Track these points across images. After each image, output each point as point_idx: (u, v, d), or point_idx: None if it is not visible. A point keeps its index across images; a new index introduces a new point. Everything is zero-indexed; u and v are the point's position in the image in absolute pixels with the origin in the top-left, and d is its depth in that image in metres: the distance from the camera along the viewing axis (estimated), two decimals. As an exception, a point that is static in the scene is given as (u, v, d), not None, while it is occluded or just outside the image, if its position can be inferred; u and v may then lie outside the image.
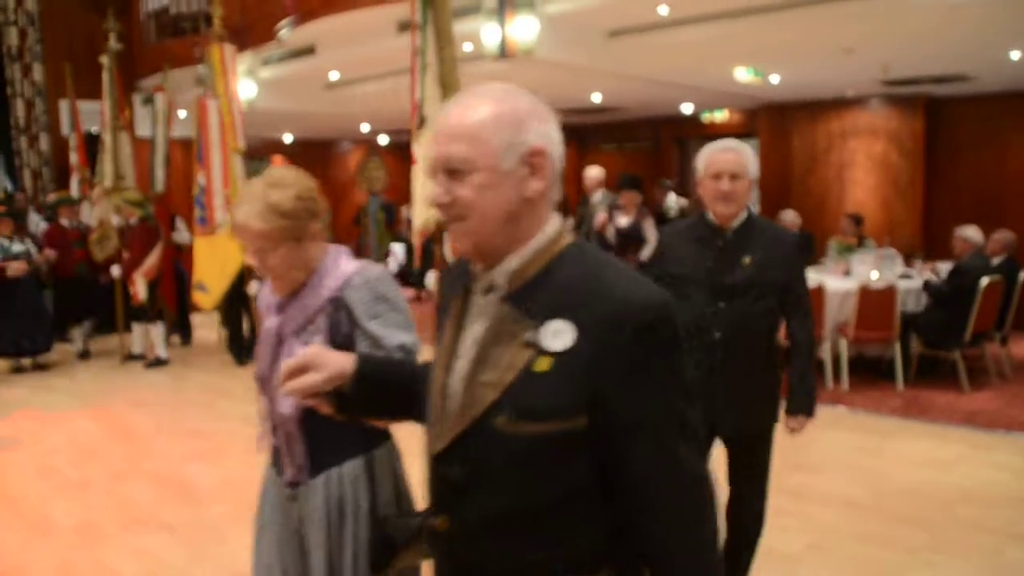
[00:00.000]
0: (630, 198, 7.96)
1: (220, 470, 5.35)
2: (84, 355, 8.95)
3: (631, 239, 7.86)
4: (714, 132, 12.05)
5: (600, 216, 7.92)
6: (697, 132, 12.18)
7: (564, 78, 8.21)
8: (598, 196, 8.24)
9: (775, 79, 8.57)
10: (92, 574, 3.98)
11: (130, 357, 8.76)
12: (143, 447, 5.94)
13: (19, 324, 8.07)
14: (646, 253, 7.79)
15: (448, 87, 6.03)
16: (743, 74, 8.17)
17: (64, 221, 8.95)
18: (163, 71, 9.43)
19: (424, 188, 5.95)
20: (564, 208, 8.45)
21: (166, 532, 4.40)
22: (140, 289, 8.07)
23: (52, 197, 9.76)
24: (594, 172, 8.36)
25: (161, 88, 9.24)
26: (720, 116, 11.67)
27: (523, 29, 6.47)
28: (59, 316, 8.87)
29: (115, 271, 8.42)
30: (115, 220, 8.62)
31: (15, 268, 7.95)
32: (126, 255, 8.37)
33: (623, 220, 8.01)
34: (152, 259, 8.28)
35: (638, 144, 12.95)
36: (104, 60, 8.98)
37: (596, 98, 10.00)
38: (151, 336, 8.70)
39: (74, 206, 9.15)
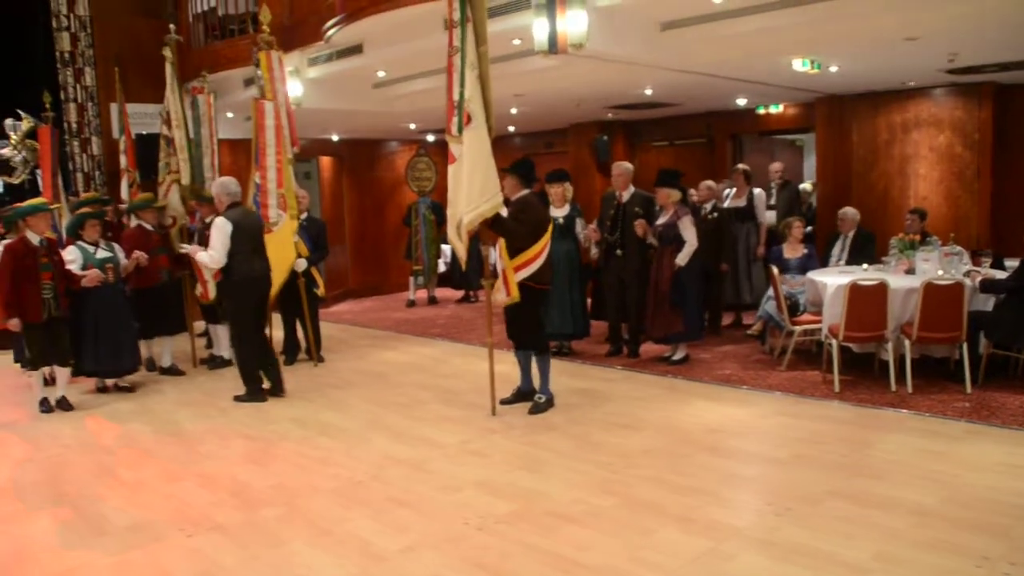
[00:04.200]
0: (664, 196, 7.77)
1: (270, 473, 5.32)
2: (171, 372, 8.33)
3: (667, 240, 7.68)
4: (770, 126, 11.81)
5: (639, 223, 7.75)
6: (752, 127, 11.91)
7: (615, 72, 8.05)
8: (628, 194, 8.08)
9: (833, 70, 8.31)
10: (146, 573, 3.95)
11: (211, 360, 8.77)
12: (195, 449, 5.94)
13: (103, 342, 7.26)
14: (683, 256, 7.59)
15: (486, 85, 6.01)
16: (800, 65, 7.94)
17: (146, 224, 8.33)
18: (202, 75, 9.48)
19: (472, 185, 5.93)
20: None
21: (219, 533, 4.37)
22: (210, 288, 8.08)
23: (135, 198, 9.24)
24: (623, 168, 8.20)
25: (201, 90, 9.30)
26: (776, 110, 11.40)
27: (573, 23, 6.36)
28: (142, 330, 8.07)
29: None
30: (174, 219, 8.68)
31: (91, 277, 7.12)
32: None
33: (660, 220, 7.84)
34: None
35: (690, 140, 12.72)
36: (166, 53, 9.05)
37: (647, 92, 9.82)
38: (218, 336, 8.73)
39: (157, 208, 8.60)
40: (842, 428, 5.77)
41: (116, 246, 7.61)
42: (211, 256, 6.91)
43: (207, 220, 8.38)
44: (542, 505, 4.56)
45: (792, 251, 8.30)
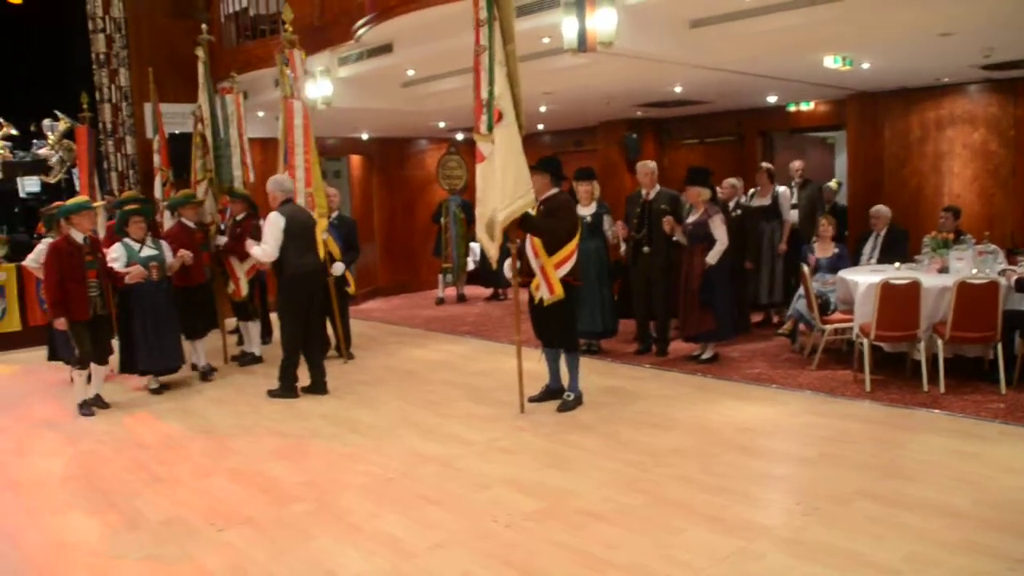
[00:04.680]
0: (694, 194, 7.74)
1: (301, 469, 5.38)
2: (208, 375, 8.11)
3: (697, 239, 7.65)
4: (800, 124, 11.72)
5: (667, 220, 7.72)
6: (783, 124, 11.82)
7: (644, 70, 8.04)
8: (654, 192, 8.06)
9: (866, 67, 8.23)
10: (179, 567, 4.02)
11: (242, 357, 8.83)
12: (226, 445, 6.01)
13: (152, 340, 7.25)
14: (714, 255, 7.56)
15: (515, 82, 6.02)
16: (832, 63, 7.87)
17: (187, 221, 8.19)
18: (231, 75, 9.58)
19: (506, 182, 5.94)
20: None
21: (250, 528, 4.43)
22: (243, 285, 8.13)
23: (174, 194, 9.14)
24: (648, 166, 8.18)
25: (230, 90, 9.39)
26: (806, 107, 11.31)
27: (602, 21, 6.35)
28: (184, 329, 7.86)
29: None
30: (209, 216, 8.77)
31: (134, 274, 7.10)
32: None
33: (689, 218, 7.81)
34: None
35: (720, 137, 12.65)
36: (199, 53, 9.15)
37: (677, 90, 9.78)
38: (249, 333, 8.80)
39: (198, 205, 8.51)
40: (873, 428, 5.72)
41: (164, 244, 7.58)
42: (263, 250, 6.98)
43: (238, 217, 8.48)
44: (571, 503, 4.57)
45: (823, 250, 8.24)
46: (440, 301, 12.79)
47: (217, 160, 9.00)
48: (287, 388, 7.18)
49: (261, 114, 11.46)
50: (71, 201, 7.16)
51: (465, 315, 11.63)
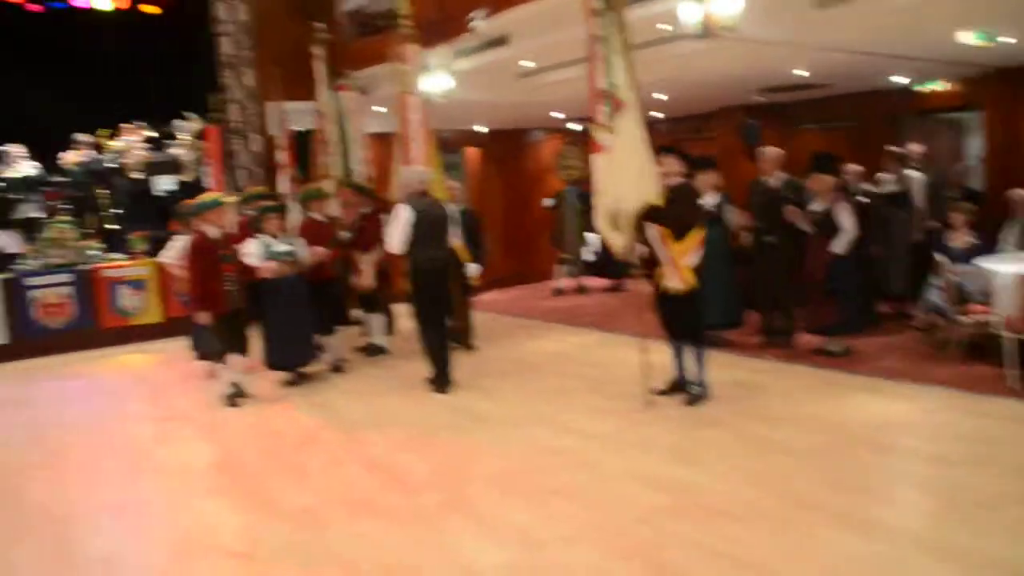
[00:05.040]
0: (820, 182, 7.49)
1: (428, 459, 5.48)
2: (339, 368, 8.23)
3: (822, 227, 7.40)
4: (930, 106, 11.17)
5: (790, 210, 7.51)
6: (910, 106, 11.29)
7: (766, 54, 7.83)
8: (777, 180, 7.82)
9: (1008, 41, 7.75)
10: (317, 557, 4.14)
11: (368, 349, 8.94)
12: (356, 435, 6.16)
13: (285, 334, 7.44)
14: (841, 244, 7.31)
15: (632, 71, 5.94)
16: (969, 38, 7.46)
17: (318, 216, 8.23)
18: (346, 73, 9.76)
19: (630, 172, 5.88)
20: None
21: (383, 518, 4.53)
22: (368, 278, 8.33)
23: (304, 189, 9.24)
24: (772, 153, 7.94)
25: (345, 87, 9.59)
26: (936, 87, 10.77)
27: (724, 5, 6.21)
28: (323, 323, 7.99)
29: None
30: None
31: (268, 269, 7.30)
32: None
33: (815, 207, 7.57)
34: (380, 249, 8.22)
35: (843, 122, 12.20)
36: (317, 51, 9.38)
37: (799, 73, 9.47)
38: (373, 325, 8.93)
39: (325, 199, 8.59)
40: (1019, 427, 5.43)
41: (299, 240, 7.68)
42: (389, 243, 7.15)
43: (361, 211, 8.67)
44: (701, 499, 4.51)
45: (958, 238, 7.84)
46: (559, 292, 12.79)
47: (342, 156, 9.23)
48: (438, 376, 7.24)
49: (380, 109, 11.68)
50: (205, 197, 7.44)
51: (584, 306, 11.61)
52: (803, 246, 7.68)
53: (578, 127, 14.24)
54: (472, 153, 14.14)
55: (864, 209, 8.45)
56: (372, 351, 8.87)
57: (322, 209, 8.36)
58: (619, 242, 6.14)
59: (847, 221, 7.35)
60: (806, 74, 9.52)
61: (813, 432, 5.52)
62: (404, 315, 9.57)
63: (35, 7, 13.47)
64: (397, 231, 7.03)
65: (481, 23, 8.14)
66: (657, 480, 4.81)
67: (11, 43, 12.81)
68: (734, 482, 4.72)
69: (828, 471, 4.82)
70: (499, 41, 8.81)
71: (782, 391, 6.59)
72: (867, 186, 8.87)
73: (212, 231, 7.05)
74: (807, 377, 7.01)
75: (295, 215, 9.09)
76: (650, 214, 6.02)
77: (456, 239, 7.46)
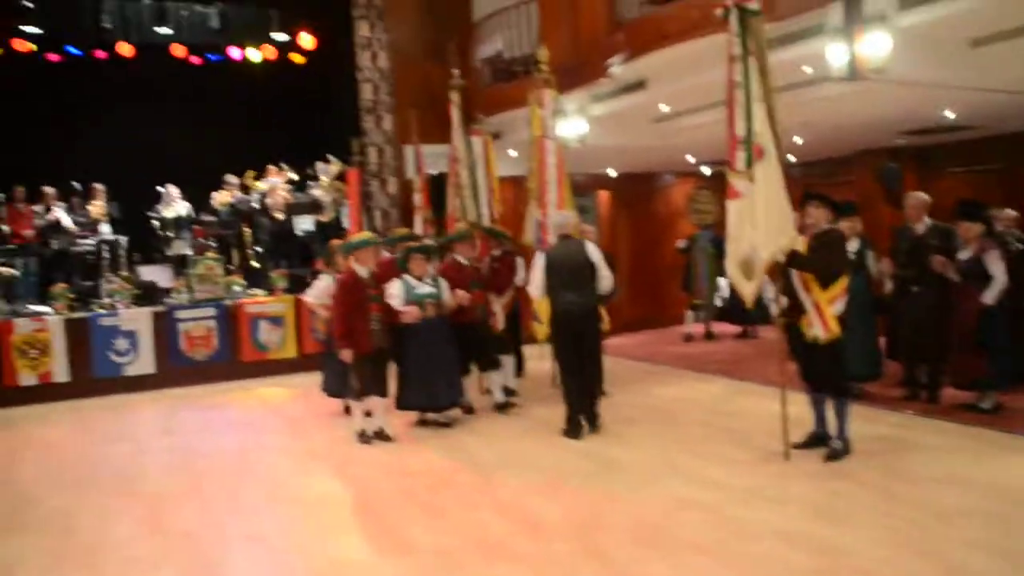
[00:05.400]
0: (967, 230, 7.12)
1: (562, 506, 5.42)
2: (504, 407, 8.22)
3: (970, 276, 7.01)
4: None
5: (937, 259, 7.15)
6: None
7: (915, 95, 7.55)
8: (924, 226, 7.46)
9: None
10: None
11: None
12: (490, 478, 6.15)
13: (425, 376, 7.41)
14: (992, 294, 6.90)
15: (774, 117, 5.81)
16: None
17: (460, 258, 8.20)
18: (479, 117, 9.95)
19: (769, 220, 5.74)
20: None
21: (518, 563, 4.50)
22: (500, 320, 8.40)
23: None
24: (918, 199, 7.59)
25: (478, 132, 9.77)
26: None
27: (874, 46, 6.03)
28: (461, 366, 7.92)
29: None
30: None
31: (409, 313, 7.30)
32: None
33: (962, 255, 7.19)
34: (512, 292, 8.31)
35: (990, 165, 11.57)
36: (453, 97, 9.64)
37: (948, 115, 9.08)
38: (504, 367, 8.72)
39: (470, 241, 8.48)
40: None
41: (442, 281, 7.65)
42: (529, 289, 7.33)
43: (495, 254, 8.76)
44: (848, 562, 4.28)
45: None
46: (688, 338, 12.56)
47: (474, 199, 9.39)
48: (570, 425, 7.17)
49: (514, 153, 11.84)
50: (357, 236, 7.62)
51: (714, 353, 11.36)
52: (950, 296, 7.30)
53: (709, 171, 14.07)
54: (603, 196, 14.14)
55: (1017, 258, 7.97)
56: (504, 393, 8.83)
57: (466, 252, 8.32)
58: (748, 290, 6.01)
59: (998, 270, 6.95)
60: (954, 116, 9.11)
61: (969, 494, 5.17)
62: (536, 357, 9.65)
63: (196, 59, 14.45)
64: (535, 276, 7.08)
65: (618, 68, 8.19)
66: (801, 540, 4.60)
67: (175, 93, 13.81)
68: (884, 546, 4.46)
69: (991, 537, 4.49)
70: (636, 85, 8.83)
71: (930, 448, 6.23)
72: (1021, 233, 8.36)
73: (361, 270, 7.19)
74: (954, 434, 6.62)
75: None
76: (795, 261, 5.86)
77: (607, 282, 7.35)
